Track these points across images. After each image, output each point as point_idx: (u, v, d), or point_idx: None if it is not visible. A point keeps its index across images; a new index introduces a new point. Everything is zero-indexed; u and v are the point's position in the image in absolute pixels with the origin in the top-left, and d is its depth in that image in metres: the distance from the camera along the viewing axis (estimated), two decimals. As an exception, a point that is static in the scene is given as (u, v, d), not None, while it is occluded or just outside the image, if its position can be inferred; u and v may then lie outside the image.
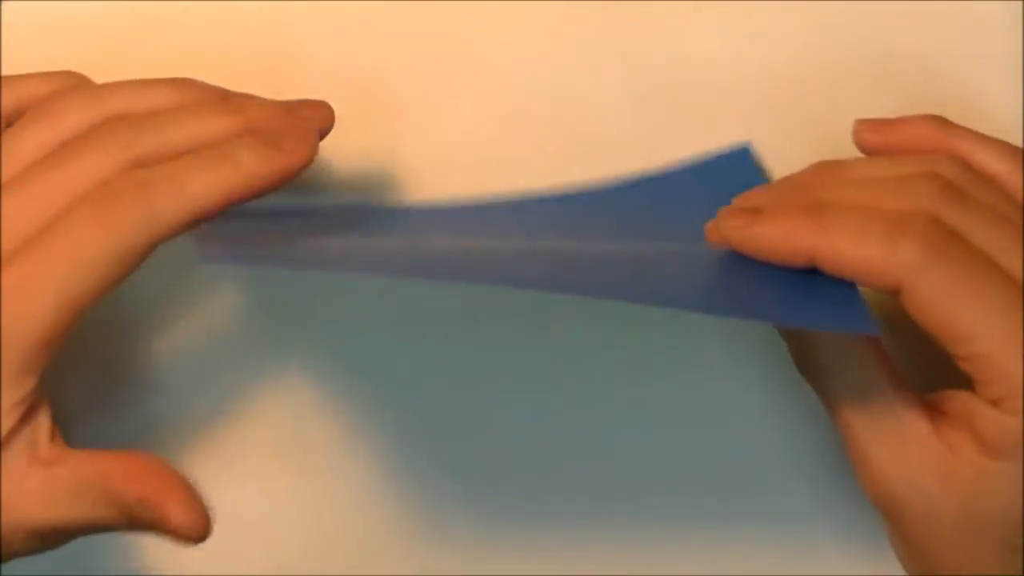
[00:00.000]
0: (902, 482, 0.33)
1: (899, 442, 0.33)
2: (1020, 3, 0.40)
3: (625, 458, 0.40)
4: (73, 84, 0.37)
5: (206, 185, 0.33)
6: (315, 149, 0.34)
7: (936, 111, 0.40)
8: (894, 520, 0.33)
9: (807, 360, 0.34)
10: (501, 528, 0.40)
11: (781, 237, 0.32)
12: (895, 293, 0.32)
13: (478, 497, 0.40)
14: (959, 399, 0.33)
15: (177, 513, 0.31)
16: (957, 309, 0.31)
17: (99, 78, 0.40)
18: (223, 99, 0.36)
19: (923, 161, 0.34)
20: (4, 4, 0.41)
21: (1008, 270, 0.32)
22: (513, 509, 0.40)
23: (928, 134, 0.35)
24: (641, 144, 0.40)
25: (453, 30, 0.41)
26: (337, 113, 0.40)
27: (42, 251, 0.32)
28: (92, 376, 0.40)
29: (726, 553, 0.41)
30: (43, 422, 0.33)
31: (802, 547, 0.41)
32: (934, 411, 0.33)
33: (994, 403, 0.32)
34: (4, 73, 0.40)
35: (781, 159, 0.39)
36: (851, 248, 0.31)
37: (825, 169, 0.35)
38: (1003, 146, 0.35)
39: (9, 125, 0.35)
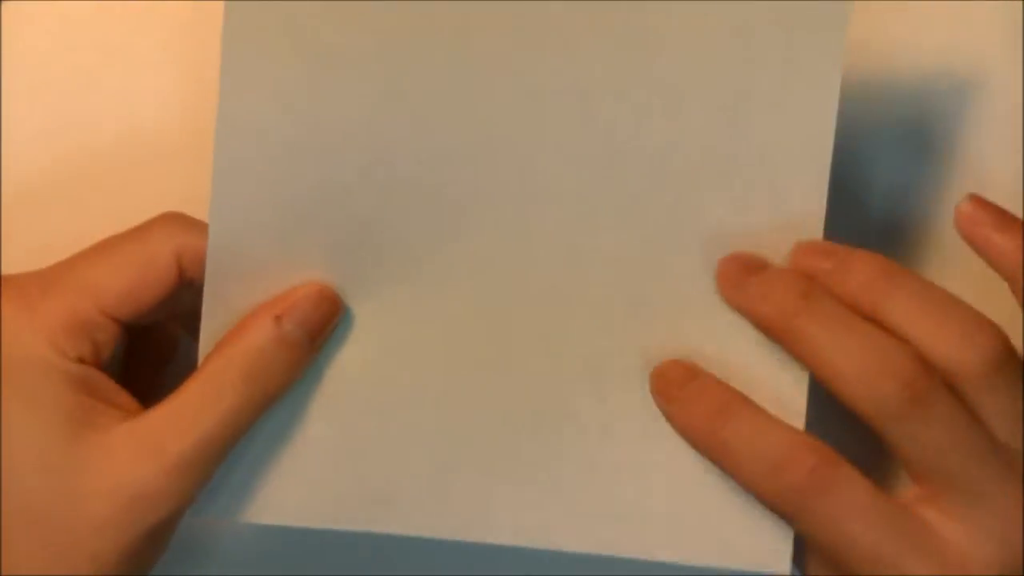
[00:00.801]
0: None
1: None
2: (1020, 3, 0.40)
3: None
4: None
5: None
6: None
7: (936, 111, 0.40)
8: None
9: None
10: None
11: (692, 435, 0.34)
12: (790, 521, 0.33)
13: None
14: None
15: None
16: (835, 547, 0.32)
17: (99, 78, 0.41)
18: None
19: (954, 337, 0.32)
20: (4, 4, 0.41)
21: (934, 491, 0.32)
22: None
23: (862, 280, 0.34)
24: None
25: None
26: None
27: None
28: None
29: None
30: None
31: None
32: None
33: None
34: (4, 71, 0.40)
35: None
36: (741, 473, 0.33)
37: (811, 309, 0.34)
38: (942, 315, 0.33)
39: None
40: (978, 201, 0.34)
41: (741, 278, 0.34)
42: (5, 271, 0.40)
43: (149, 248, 0.34)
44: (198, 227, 0.34)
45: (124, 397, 0.34)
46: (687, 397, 0.34)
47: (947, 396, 0.32)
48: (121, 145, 0.41)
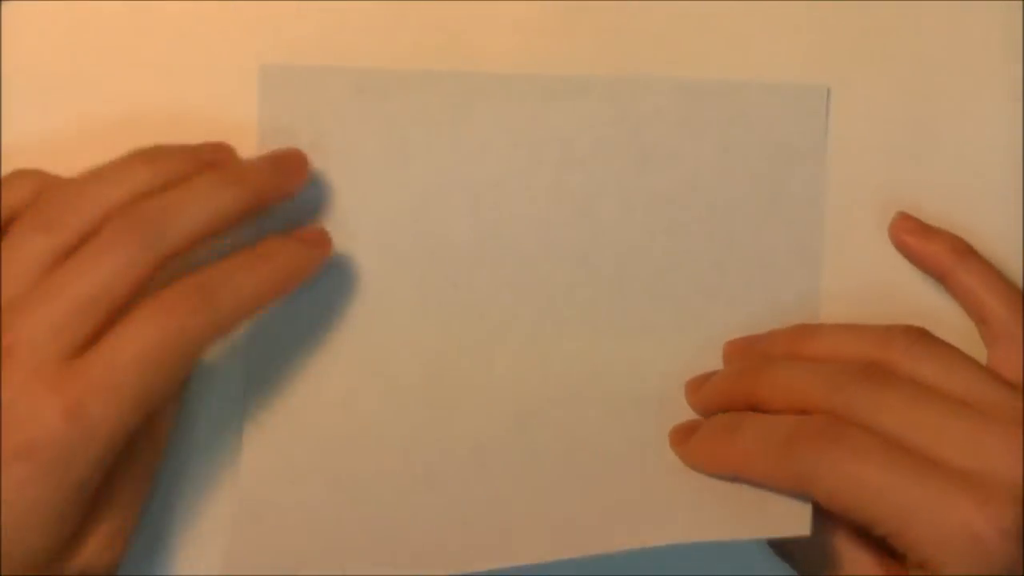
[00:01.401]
0: None
1: None
2: (1020, 3, 0.40)
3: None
4: (49, 183, 0.37)
5: (256, 285, 0.35)
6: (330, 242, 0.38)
7: (936, 111, 0.40)
8: None
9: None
10: None
11: (706, 459, 0.36)
12: (802, 493, 0.34)
13: None
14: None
15: None
16: (856, 498, 0.33)
17: (99, 78, 0.41)
18: (212, 165, 0.37)
19: (877, 336, 0.36)
20: (4, 4, 0.41)
21: (919, 447, 0.33)
22: None
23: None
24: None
25: (453, 30, 0.41)
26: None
27: (110, 357, 0.33)
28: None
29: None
30: None
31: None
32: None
33: (920, 567, 0.33)
34: (4, 72, 0.40)
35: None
36: (756, 466, 0.34)
37: (759, 366, 0.37)
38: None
39: None
40: (906, 215, 0.40)
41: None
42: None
43: None
44: None
45: None
46: (704, 426, 0.37)
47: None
48: (122, 145, 0.40)
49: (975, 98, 0.40)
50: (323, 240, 0.39)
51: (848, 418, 0.34)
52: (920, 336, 0.36)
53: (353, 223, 0.39)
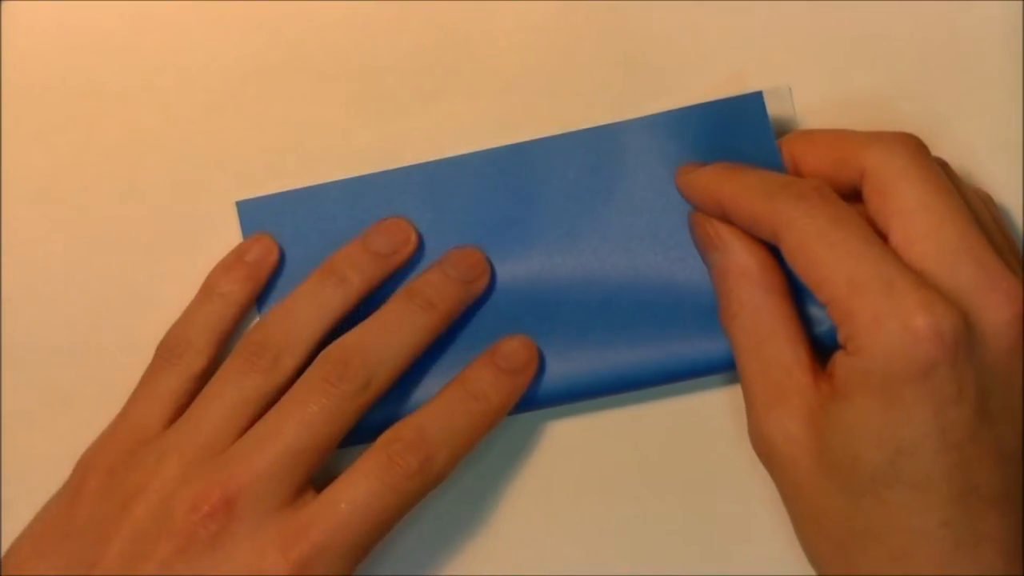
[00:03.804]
0: (776, 428, 0.34)
1: (780, 391, 0.34)
2: (1020, 3, 0.40)
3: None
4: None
5: (470, 432, 0.36)
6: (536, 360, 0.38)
7: (936, 111, 0.40)
8: (769, 468, 0.35)
9: (725, 311, 0.36)
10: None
11: (703, 189, 0.37)
12: (775, 241, 0.34)
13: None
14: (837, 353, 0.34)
15: None
16: (818, 257, 0.33)
17: (99, 77, 0.41)
18: (389, 261, 0.38)
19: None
20: (4, 4, 0.41)
21: (894, 244, 0.33)
22: None
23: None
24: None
25: (453, 30, 0.41)
26: (337, 114, 0.41)
27: (333, 515, 0.34)
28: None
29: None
30: None
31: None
32: (819, 367, 0.34)
33: (844, 346, 0.33)
34: (4, 71, 0.40)
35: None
36: (742, 199, 0.35)
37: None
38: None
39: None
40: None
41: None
42: (5, 270, 0.40)
43: None
44: None
45: None
46: (703, 171, 0.38)
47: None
48: (121, 146, 0.41)
49: (975, 98, 0.40)
50: (531, 363, 0.38)
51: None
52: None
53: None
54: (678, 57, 0.41)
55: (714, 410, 0.40)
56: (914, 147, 0.35)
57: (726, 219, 0.36)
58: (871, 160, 0.34)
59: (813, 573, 0.35)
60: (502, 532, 0.40)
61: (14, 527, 0.36)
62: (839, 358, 0.33)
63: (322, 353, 0.36)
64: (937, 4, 0.41)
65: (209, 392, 0.36)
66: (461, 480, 0.40)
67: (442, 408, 0.36)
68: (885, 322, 0.32)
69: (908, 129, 0.36)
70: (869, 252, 0.33)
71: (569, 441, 0.40)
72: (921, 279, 0.32)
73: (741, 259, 0.36)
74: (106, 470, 0.36)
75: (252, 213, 0.40)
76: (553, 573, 0.39)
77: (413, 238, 0.39)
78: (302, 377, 0.36)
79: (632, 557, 0.39)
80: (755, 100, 0.39)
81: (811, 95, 0.40)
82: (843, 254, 0.33)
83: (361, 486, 0.35)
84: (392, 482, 0.35)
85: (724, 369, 0.38)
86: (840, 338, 0.33)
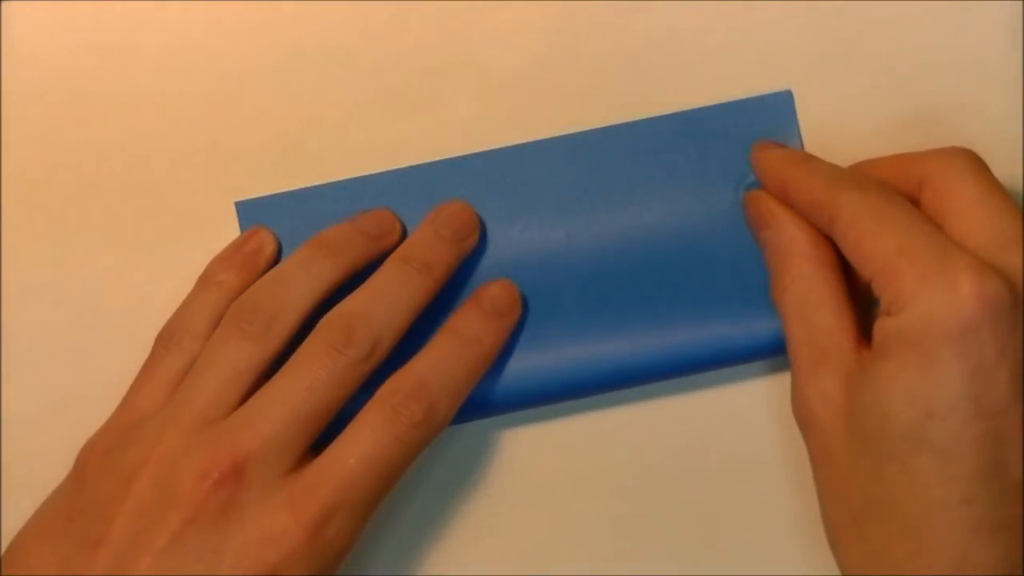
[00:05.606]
0: (816, 390, 0.34)
1: (822, 354, 0.34)
2: (1020, 3, 0.40)
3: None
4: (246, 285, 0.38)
5: (467, 376, 0.37)
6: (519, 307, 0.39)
7: (936, 111, 0.40)
8: (805, 434, 0.35)
9: (776, 285, 0.37)
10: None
11: (772, 167, 0.37)
12: (830, 231, 0.35)
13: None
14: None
15: None
16: (869, 230, 0.33)
17: (99, 77, 0.41)
18: (379, 240, 0.39)
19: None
20: (4, 4, 0.41)
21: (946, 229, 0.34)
22: None
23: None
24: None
25: (453, 30, 0.41)
26: (337, 114, 0.41)
27: (340, 473, 0.34)
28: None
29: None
30: None
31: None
32: (864, 339, 0.35)
33: (886, 312, 0.33)
34: (4, 71, 0.40)
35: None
36: (804, 183, 0.36)
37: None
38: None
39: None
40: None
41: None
42: (5, 269, 0.40)
43: None
44: None
45: None
46: (777, 152, 0.38)
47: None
48: (121, 146, 0.41)
49: (975, 98, 0.40)
50: (515, 307, 0.39)
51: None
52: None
53: None
54: (679, 58, 0.41)
55: (714, 410, 0.40)
56: (970, 155, 0.35)
57: (784, 200, 0.37)
58: (929, 167, 0.35)
59: (813, 573, 0.35)
60: (502, 532, 0.40)
61: (14, 527, 0.36)
62: (880, 323, 0.33)
63: (323, 320, 0.36)
64: (937, 4, 0.41)
65: (202, 361, 0.36)
66: (461, 480, 0.40)
67: (438, 355, 0.36)
68: (931, 279, 0.32)
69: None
70: (922, 227, 0.33)
71: (569, 441, 0.40)
72: (974, 254, 0.32)
73: (795, 233, 0.36)
74: (104, 451, 0.35)
75: (251, 213, 0.40)
76: (553, 573, 0.40)
77: (398, 227, 0.39)
78: (304, 343, 0.36)
79: (632, 557, 0.39)
80: (784, 99, 0.39)
81: (811, 96, 0.40)
82: (895, 228, 0.33)
83: (367, 439, 0.35)
84: (398, 432, 0.35)
85: (731, 362, 0.38)
86: (883, 306, 0.33)
